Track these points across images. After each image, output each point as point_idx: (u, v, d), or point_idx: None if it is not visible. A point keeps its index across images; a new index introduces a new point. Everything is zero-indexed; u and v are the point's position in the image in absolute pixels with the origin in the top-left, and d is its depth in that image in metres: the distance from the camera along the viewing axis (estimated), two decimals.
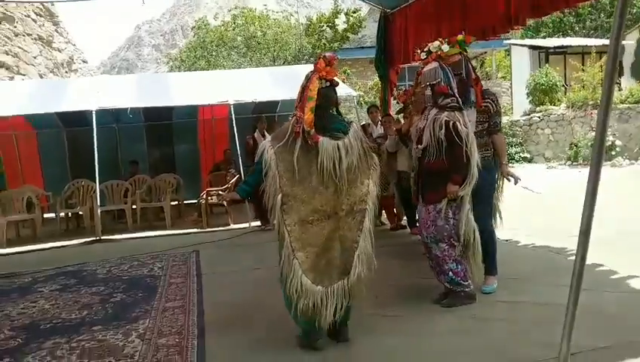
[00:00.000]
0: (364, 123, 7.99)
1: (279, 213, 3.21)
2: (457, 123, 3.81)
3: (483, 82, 4.70)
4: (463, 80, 4.17)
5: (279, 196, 3.20)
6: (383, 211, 7.27)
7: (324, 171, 3.21)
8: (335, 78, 3.39)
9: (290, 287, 3.18)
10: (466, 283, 3.95)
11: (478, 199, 4.12)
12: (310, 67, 3.52)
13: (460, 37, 4.31)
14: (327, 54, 3.42)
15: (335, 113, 3.46)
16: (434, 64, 3.98)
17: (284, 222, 3.21)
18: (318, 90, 3.28)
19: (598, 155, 2.05)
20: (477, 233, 3.91)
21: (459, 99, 3.90)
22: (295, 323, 3.39)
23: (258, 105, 9.49)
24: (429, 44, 4.07)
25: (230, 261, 6.06)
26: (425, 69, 4.07)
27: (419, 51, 4.18)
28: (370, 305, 3.86)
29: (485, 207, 4.23)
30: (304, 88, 3.33)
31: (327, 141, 3.22)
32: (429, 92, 4.01)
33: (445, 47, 4.00)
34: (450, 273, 3.95)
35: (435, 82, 3.95)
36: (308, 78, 3.36)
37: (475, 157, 3.80)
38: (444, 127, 3.82)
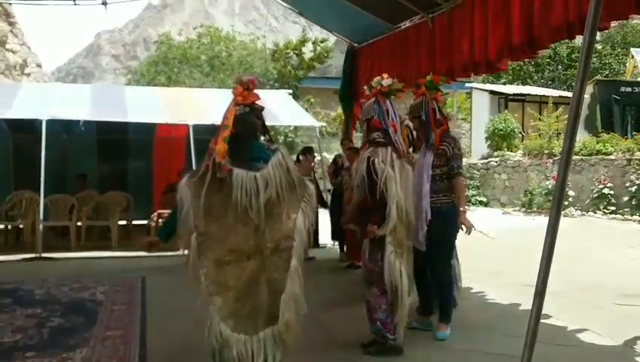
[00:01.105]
0: (336, 154, 7.99)
1: (194, 253, 2.92)
2: (376, 159, 3.76)
3: None
4: (422, 122, 4.30)
5: (193, 235, 2.92)
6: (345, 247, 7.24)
7: (238, 206, 2.87)
8: (257, 102, 3.12)
9: (209, 335, 2.86)
10: (392, 336, 3.81)
11: (435, 245, 4.10)
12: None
13: (427, 77, 4.42)
14: (245, 78, 3.15)
15: (261, 141, 3.14)
16: (372, 99, 4.01)
17: (199, 263, 2.91)
18: (235, 117, 3.03)
19: (554, 226, 2.06)
20: (404, 280, 3.74)
21: (391, 134, 3.86)
22: None
23: (218, 127, 9.31)
24: (373, 80, 4.08)
25: (178, 288, 5.78)
26: (363, 105, 4.13)
27: (365, 87, 4.20)
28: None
29: (442, 254, 4.22)
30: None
31: (241, 173, 2.89)
32: (364, 127, 4.05)
33: (386, 82, 3.99)
34: (379, 323, 3.83)
35: (369, 117, 3.96)
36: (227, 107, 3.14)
37: (394, 196, 3.66)
38: (365, 163, 3.80)
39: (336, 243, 7.79)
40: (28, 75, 24.67)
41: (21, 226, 8.90)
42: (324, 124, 16.84)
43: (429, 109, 4.26)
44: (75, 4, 7.01)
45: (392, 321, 3.80)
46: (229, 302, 2.87)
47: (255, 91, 3.12)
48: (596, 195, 13.01)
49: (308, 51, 23.05)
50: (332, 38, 20.78)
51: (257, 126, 3.12)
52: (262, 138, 3.15)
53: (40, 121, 8.08)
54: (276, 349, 2.90)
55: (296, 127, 17.20)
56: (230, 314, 2.87)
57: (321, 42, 23.14)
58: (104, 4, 6.76)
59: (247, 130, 3.06)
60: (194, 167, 8.36)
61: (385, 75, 4.07)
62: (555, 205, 2.01)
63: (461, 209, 4.18)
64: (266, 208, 2.88)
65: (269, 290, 2.87)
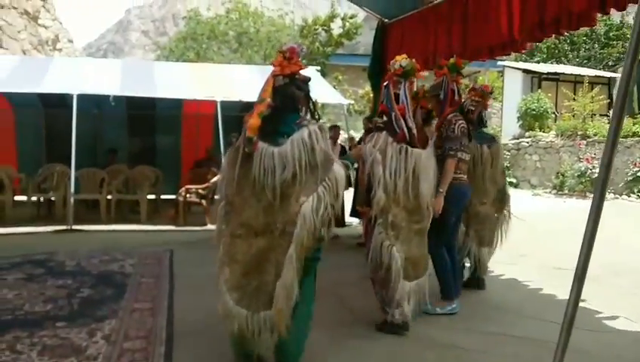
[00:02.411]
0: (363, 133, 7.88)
1: (219, 222, 2.95)
2: (369, 144, 3.79)
3: None
4: (439, 100, 4.32)
5: (222, 203, 2.93)
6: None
7: (256, 182, 2.80)
8: (300, 72, 2.94)
9: (219, 304, 2.87)
10: (390, 311, 3.81)
11: (432, 224, 4.04)
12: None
13: (451, 60, 4.41)
14: (286, 47, 2.97)
15: (298, 115, 2.95)
16: (385, 82, 4.01)
17: (222, 233, 2.94)
18: (273, 89, 2.90)
19: (597, 210, 1.96)
20: (395, 261, 3.71)
21: (394, 119, 3.81)
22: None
23: (246, 104, 9.31)
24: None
25: (205, 263, 5.84)
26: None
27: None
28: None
29: (436, 232, 4.13)
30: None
31: (265, 148, 2.79)
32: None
33: (400, 64, 3.91)
34: (379, 296, 3.91)
35: (381, 101, 3.99)
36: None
37: (379, 180, 3.68)
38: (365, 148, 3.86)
39: (359, 221, 7.77)
40: (60, 50, 25.04)
41: (53, 199, 9.08)
42: (352, 101, 16.68)
43: (449, 90, 4.26)
44: None
45: (388, 298, 3.80)
46: (236, 274, 2.87)
47: (297, 61, 2.94)
48: (631, 178, 12.62)
49: (337, 27, 22.71)
50: (361, 14, 20.45)
51: (298, 98, 2.95)
52: (303, 111, 2.97)
53: (71, 96, 8.16)
54: (272, 333, 2.82)
55: (323, 105, 17.09)
56: (235, 286, 2.86)
57: (350, 18, 22.74)
58: None
59: (285, 103, 2.91)
60: (222, 144, 8.41)
61: (403, 56, 3.97)
62: (599, 188, 1.91)
63: (440, 190, 4.05)
64: (282, 187, 2.77)
65: (276, 272, 2.79)
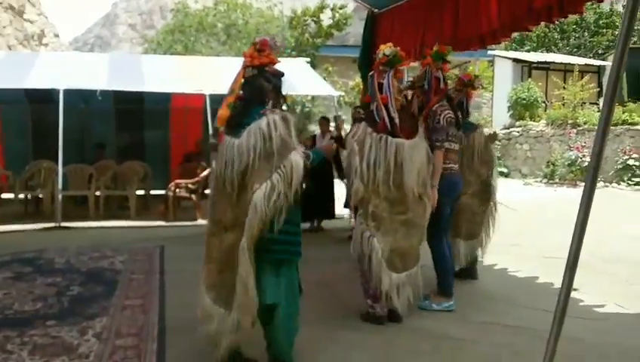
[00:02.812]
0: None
1: (207, 219, 2.97)
2: (349, 135, 3.82)
3: None
4: (424, 91, 4.26)
5: (209, 200, 2.94)
6: None
7: (220, 176, 2.79)
8: (269, 65, 2.88)
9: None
10: (370, 303, 3.86)
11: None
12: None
13: (434, 48, 4.37)
14: (258, 39, 2.94)
15: (264, 107, 2.84)
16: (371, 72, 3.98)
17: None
18: (243, 80, 2.86)
19: (588, 199, 1.95)
20: (376, 252, 3.70)
21: (375, 109, 3.81)
22: None
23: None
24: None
25: (197, 258, 5.81)
26: None
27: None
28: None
29: (432, 223, 4.09)
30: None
31: (228, 140, 2.76)
32: None
33: (387, 51, 3.87)
34: (363, 287, 3.92)
35: (368, 92, 3.98)
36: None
37: (355, 170, 3.69)
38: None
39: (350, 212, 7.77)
40: (46, 45, 24.77)
41: (40, 196, 8.98)
42: (342, 93, 16.61)
43: (432, 79, 4.23)
44: None
45: (370, 289, 3.82)
46: (212, 273, 2.86)
47: (269, 53, 2.88)
48: (621, 166, 12.72)
49: (326, 18, 22.59)
50: (351, 5, 20.38)
51: (266, 90, 2.86)
52: (270, 103, 2.86)
53: (57, 91, 8.07)
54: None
55: (313, 97, 17.03)
56: (212, 285, 2.85)
57: (340, 9, 22.62)
58: None
59: (253, 95, 2.86)
60: (210, 138, 8.33)
61: (388, 45, 3.93)
62: (590, 177, 1.89)
63: (432, 183, 3.99)
64: (240, 178, 2.72)
65: None
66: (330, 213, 7.69)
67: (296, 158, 2.70)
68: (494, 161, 5.07)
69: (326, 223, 7.72)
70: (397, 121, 3.78)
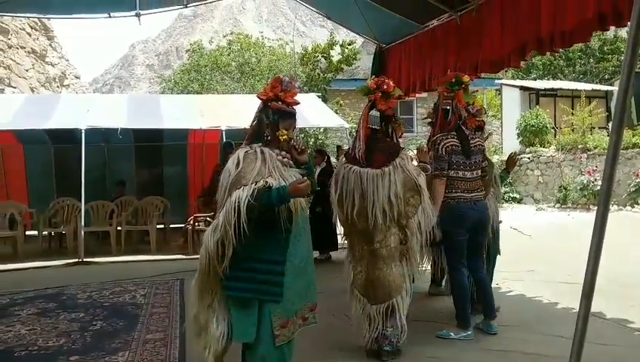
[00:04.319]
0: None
1: None
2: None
3: None
4: (433, 124, 4.46)
5: None
6: None
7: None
8: (273, 101, 2.90)
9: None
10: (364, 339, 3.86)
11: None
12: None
13: (456, 76, 4.41)
14: (280, 75, 3.04)
15: (268, 140, 2.90)
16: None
17: None
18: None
19: (602, 223, 1.97)
20: (350, 279, 3.84)
21: (354, 141, 3.98)
22: None
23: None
24: None
25: None
26: None
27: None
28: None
29: (447, 256, 4.16)
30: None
31: None
32: None
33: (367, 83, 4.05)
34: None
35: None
36: None
37: (331, 200, 3.86)
38: None
39: None
40: (67, 86, 25.46)
41: (63, 232, 9.16)
42: (354, 124, 16.78)
43: (439, 112, 4.33)
44: (110, 17, 7.16)
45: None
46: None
47: (274, 89, 2.92)
48: (633, 189, 12.60)
49: (336, 54, 23.03)
50: (359, 40, 20.73)
51: (264, 124, 2.90)
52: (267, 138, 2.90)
53: (79, 131, 8.30)
54: None
55: (325, 129, 17.24)
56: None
57: (349, 44, 23.08)
58: (137, 15, 6.88)
59: (255, 127, 2.96)
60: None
61: (373, 79, 4.08)
62: (602, 203, 1.91)
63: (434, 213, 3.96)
64: None
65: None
66: (334, 245, 7.75)
67: (238, 195, 2.61)
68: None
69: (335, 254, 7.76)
70: (362, 150, 3.79)
